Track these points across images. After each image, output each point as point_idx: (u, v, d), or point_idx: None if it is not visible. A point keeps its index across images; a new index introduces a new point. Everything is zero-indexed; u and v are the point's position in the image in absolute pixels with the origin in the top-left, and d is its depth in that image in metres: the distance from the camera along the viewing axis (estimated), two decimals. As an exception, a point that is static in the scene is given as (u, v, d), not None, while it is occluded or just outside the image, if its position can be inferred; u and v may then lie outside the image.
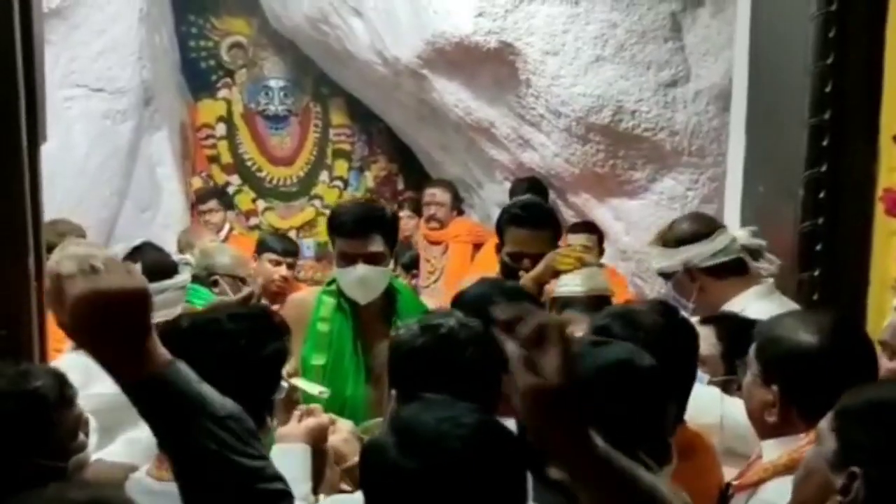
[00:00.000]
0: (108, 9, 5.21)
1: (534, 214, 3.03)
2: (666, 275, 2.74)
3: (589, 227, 4.52)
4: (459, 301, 2.26)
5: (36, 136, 2.43)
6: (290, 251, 4.06)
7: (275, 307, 3.64)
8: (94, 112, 5.24)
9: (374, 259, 2.63)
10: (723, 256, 2.62)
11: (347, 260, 2.63)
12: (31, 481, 1.52)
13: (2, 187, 2.28)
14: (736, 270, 2.63)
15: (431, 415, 1.25)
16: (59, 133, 4.48)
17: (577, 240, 4.32)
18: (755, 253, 2.65)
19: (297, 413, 1.94)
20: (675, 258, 2.67)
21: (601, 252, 4.40)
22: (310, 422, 1.91)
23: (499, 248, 3.04)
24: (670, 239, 2.71)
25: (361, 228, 2.64)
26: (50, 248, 3.01)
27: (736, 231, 2.71)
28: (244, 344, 1.55)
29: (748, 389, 1.86)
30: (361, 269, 2.62)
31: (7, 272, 2.32)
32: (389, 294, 2.74)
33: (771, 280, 2.67)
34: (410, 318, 2.59)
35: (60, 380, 1.67)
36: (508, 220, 3.00)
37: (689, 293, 2.65)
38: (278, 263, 3.93)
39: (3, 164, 2.27)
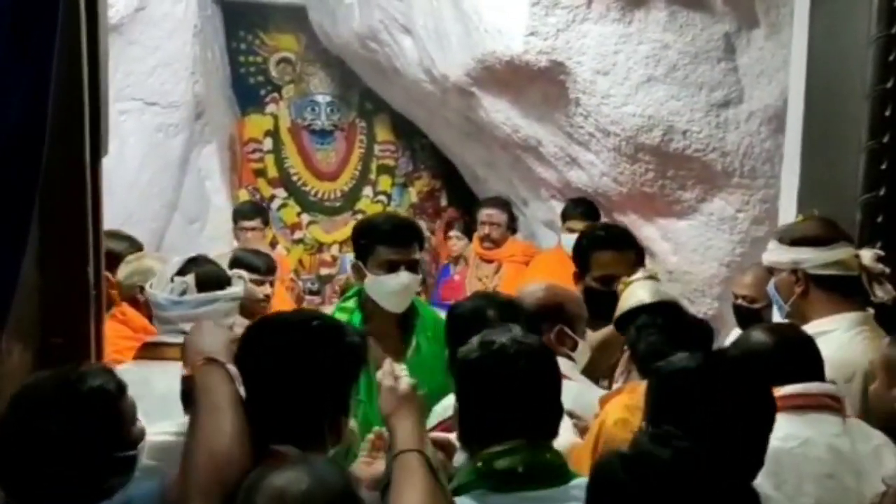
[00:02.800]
0: (163, 25, 5.30)
1: (618, 235, 3.02)
2: (771, 270, 2.66)
3: None
4: (454, 314, 2.35)
5: (98, 149, 2.48)
6: (272, 269, 3.83)
7: None
8: (148, 125, 5.33)
9: (414, 266, 2.70)
10: (837, 269, 2.51)
11: (391, 267, 2.67)
12: (110, 474, 1.62)
13: (65, 199, 2.33)
14: (845, 288, 2.52)
15: (667, 446, 1.35)
16: (114, 146, 4.50)
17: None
18: (875, 277, 2.52)
19: (367, 451, 1.95)
20: (785, 256, 2.58)
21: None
22: (379, 466, 1.90)
23: (579, 275, 2.98)
24: (786, 236, 2.62)
25: (407, 236, 2.71)
26: (108, 259, 3.08)
27: (862, 251, 2.57)
28: (332, 325, 1.64)
29: None
30: (405, 276, 2.66)
31: (67, 282, 2.36)
32: (407, 310, 2.77)
33: (871, 311, 2.55)
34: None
35: (110, 371, 1.71)
36: (592, 244, 2.96)
37: (789, 295, 2.57)
38: (260, 283, 3.66)
39: (67, 176, 2.32)
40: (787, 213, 3.39)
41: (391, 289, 2.68)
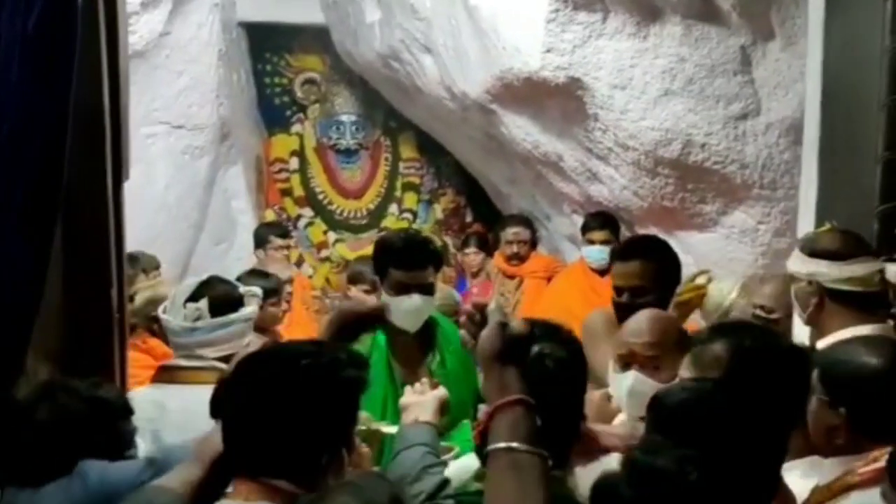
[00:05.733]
0: (188, 49, 5.40)
1: (625, 246, 3.07)
2: (793, 278, 2.63)
3: None
4: None
5: (120, 173, 2.55)
6: (277, 289, 3.91)
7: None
8: (174, 148, 5.43)
9: (427, 289, 2.71)
10: (853, 285, 2.47)
11: (403, 290, 2.69)
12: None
13: (88, 223, 2.39)
14: (862, 302, 2.47)
15: (666, 454, 1.31)
16: (141, 169, 4.63)
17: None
18: None
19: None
20: (804, 267, 2.55)
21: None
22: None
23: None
24: (807, 246, 2.59)
25: (419, 260, 2.72)
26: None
27: (888, 265, 2.50)
28: (324, 362, 1.55)
29: (813, 413, 1.87)
30: (417, 298, 2.68)
31: (91, 304, 2.42)
32: (427, 325, 2.79)
33: (890, 324, 2.51)
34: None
35: (122, 393, 1.80)
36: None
37: (806, 306, 2.54)
38: (275, 304, 3.78)
39: (90, 200, 2.38)
40: (806, 224, 3.38)
41: (402, 310, 2.69)
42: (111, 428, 1.78)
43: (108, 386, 1.85)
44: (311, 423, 1.50)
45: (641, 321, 2.42)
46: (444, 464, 1.82)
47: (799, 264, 2.59)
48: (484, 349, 1.40)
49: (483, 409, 1.39)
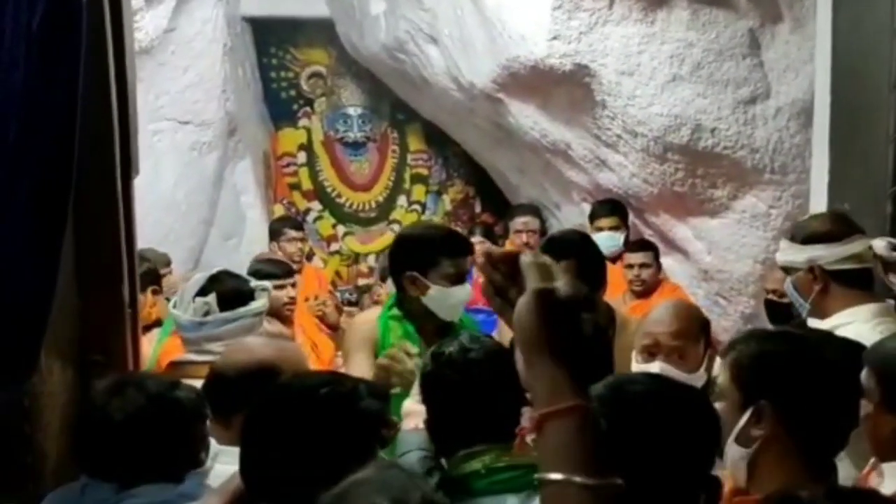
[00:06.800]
0: (193, 45, 5.40)
1: (555, 245, 2.89)
2: (787, 269, 2.62)
3: (645, 244, 4.56)
4: None
5: (129, 170, 2.54)
6: (289, 272, 3.98)
7: (287, 331, 3.67)
8: (182, 144, 5.43)
9: (467, 277, 2.70)
10: (853, 263, 2.47)
11: (456, 279, 2.64)
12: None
13: (97, 220, 2.39)
14: (864, 281, 2.48)
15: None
16: (149, 165, 4.64)
17: (636, 258, 4.43)
18: (890, 267, 2.45)
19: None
20: (801, 255, 2.54)
21: (659, 267, 4.47)
22: None
23: None
24: (798, 235, 2.58)
25: (467, 248, 2.70)
26: (144, 278, 3.14)
27: (874, 241, 2.51)
28: (343, 392, 1.55)
29: (871, 419, 1.77)
30: (468, 287, 2.67)
31: (103, 301, 2.42)
32: None
33: (891, 302, 2.52)
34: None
35: (200, 396, 1.76)
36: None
37: (809, 293, 2.52)
38: (281, 287, 3.78)
39: (99, 197, 2.37)
40: (818, 207, 3.38)
41: (456, 300, 2.66)
42: (183, 430, 1.73)
43: (184, 387, 1.80)
44: (329, 453, 1.48)
45: (664, 310, 2.39)
46: (442, 467, 1.83)
47: (794, 254, 2.57)
48: (524, 331, 1.04)
49: (527, 413, 1.07)
